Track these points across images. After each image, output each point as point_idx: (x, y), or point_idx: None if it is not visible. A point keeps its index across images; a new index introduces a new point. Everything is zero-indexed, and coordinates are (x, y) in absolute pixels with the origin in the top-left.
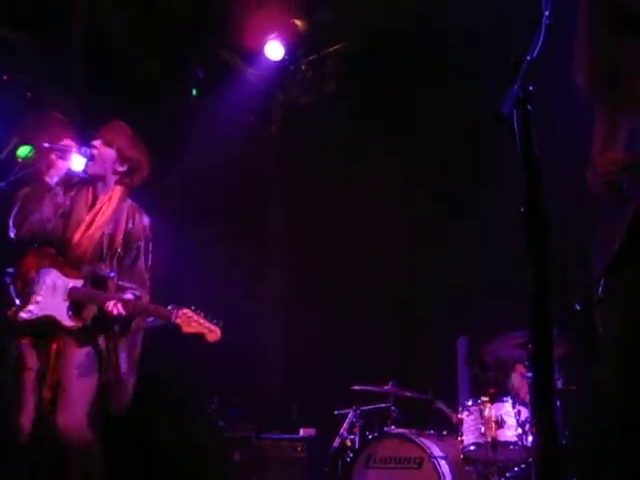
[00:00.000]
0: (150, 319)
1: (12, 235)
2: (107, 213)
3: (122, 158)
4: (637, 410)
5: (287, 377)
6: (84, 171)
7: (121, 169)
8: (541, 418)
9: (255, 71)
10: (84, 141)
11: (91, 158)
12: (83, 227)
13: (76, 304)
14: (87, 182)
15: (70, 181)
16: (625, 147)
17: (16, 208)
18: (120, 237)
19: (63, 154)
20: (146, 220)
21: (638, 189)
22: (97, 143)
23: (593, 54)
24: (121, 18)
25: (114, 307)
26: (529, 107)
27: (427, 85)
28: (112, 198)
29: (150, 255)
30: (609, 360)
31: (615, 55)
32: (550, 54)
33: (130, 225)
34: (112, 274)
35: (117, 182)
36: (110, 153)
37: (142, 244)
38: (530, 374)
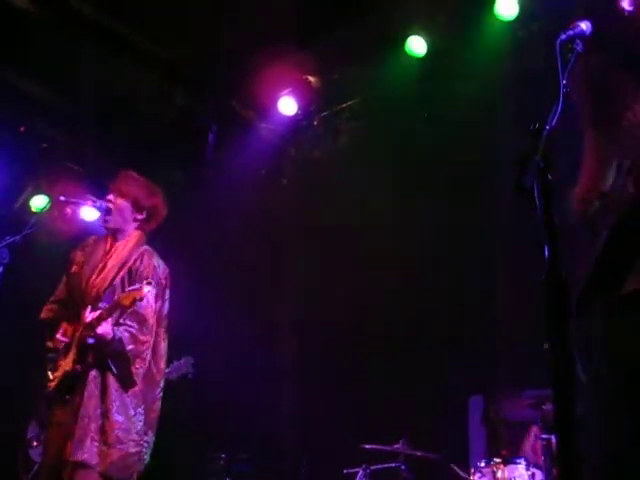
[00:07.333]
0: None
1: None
2: (121, 255)
3: (139, 207)
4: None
5: (296, 434)
6: (102, 225)
7: (140, 217)
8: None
9: (268, 125)
10: (99, 194)
11: (107, 212)
12: (97, 271)
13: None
14: (106, 234)
15: (87, 241)
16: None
17: None
18: (125, 274)
19: (78, 207)
20: (159, 264)
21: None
22: (111, 197)
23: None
24: (135, 72)
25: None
26: (549, 177)
27: (438, 137)
28: (128, 242)
29: (165, 302)
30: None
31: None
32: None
33: (138, 264)
34: (102, 304)
35: (136, 228)
36: (126, 205)
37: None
38: (544, 435)
